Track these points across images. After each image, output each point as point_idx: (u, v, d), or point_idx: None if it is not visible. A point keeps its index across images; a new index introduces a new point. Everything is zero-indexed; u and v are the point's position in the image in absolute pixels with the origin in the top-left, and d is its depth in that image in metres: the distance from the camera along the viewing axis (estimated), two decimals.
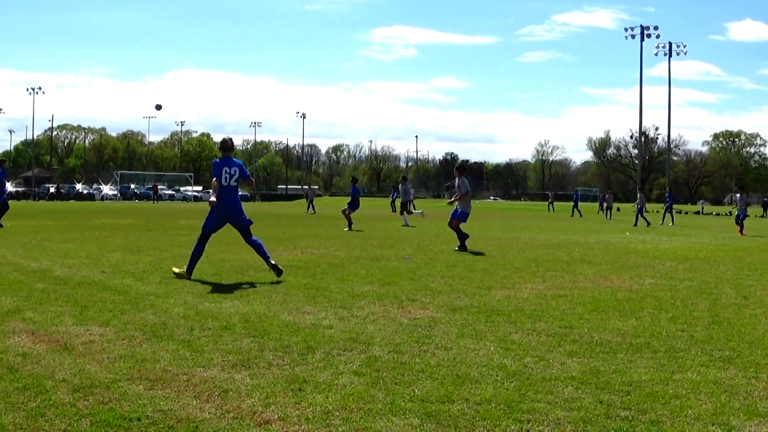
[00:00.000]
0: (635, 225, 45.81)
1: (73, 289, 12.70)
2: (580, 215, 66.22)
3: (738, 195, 41.36)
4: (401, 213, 39.07)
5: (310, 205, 59.52)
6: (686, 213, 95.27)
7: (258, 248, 15.16)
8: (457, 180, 22.95)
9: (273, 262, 14.82)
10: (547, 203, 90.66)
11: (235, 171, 14.90)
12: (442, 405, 6.47)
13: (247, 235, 15.25)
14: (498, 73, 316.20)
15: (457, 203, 22.55)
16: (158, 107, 18.04)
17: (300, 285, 13.62)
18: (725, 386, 7.34)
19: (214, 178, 14.97)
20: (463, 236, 22.20)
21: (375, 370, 7.54)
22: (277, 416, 6.10)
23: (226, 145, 15.37)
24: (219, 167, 14.83)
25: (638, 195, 49.58)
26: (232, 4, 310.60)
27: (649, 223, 46.76)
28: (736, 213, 39.43)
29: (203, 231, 15.13)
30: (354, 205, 34.22)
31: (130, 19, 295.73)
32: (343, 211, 33.98)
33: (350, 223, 33.13)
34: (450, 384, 7.11)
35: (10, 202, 33.82)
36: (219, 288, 13.14)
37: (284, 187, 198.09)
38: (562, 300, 12.61)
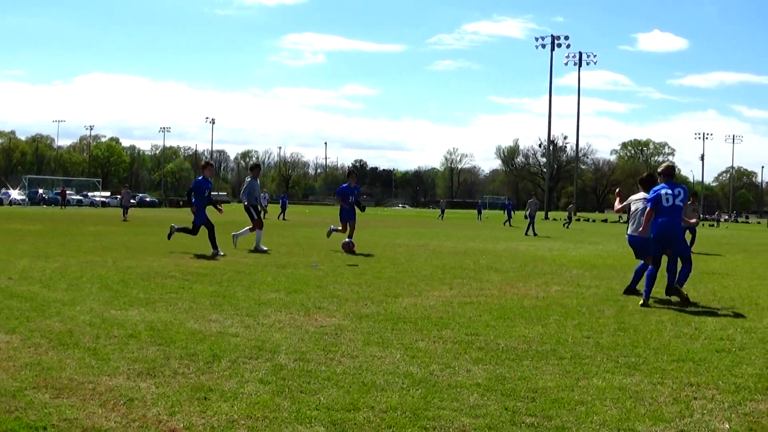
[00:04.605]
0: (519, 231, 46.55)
1: None
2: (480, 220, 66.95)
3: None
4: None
5: (125, 212, 53.61)
6: (593, 221, 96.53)
7: (681, 275, 14.87)
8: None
9: (685, 293, 14.31)
10: (439, 211, 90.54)
11: (679, 192, 14.43)
12: (347, 413, 6.52)
13: (684, 262, 14.88)
14: (407, 81, 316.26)
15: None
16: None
17: (206, 292, 13.57)
18: (631, 392, 7.51)
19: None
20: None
21: (281, 379, 7.57)
22: (182, 425, 6.12)
23: (668, 171, 14.78)
24: (657, 192, 14.36)
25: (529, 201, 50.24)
26: (142, 9, 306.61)
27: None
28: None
29: (653, 258, 14.66)
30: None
31: (40, 23, 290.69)
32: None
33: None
34: (356, 392, 7.17)
35: None
36: (125, 295, 13.03)
37: None
38: (468, 307, 12.74)
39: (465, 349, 9.30)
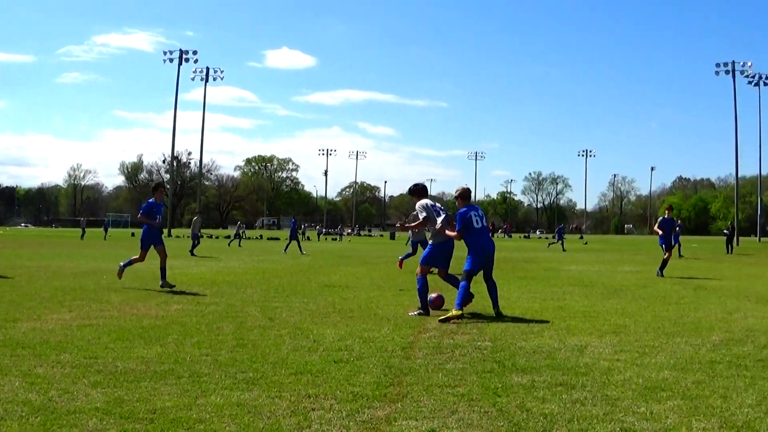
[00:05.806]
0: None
1: None
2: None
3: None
4: None
5: None
6: (217, 237, 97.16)
7: (493, 291, 15.41)
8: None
9: (498, 309, 15.16)
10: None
11: (482, 214, 15.60)
12: None
13: (487, 279, 15.55)
14: (33, 93, 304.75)
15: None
16: None
17: None
18: (249, 407, 7.68)
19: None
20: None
21: None
22: None
23: (466, 194, 15.72)
24: (465, 215, 15.20)
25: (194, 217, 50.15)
26: None
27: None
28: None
29: (469, 272, 15.13)
30: None
31: None
32: None
33: None
34: None
35: None
36: None
37: None
38: (87, 330, 12.59)
39: (84, 372, 9.20)
